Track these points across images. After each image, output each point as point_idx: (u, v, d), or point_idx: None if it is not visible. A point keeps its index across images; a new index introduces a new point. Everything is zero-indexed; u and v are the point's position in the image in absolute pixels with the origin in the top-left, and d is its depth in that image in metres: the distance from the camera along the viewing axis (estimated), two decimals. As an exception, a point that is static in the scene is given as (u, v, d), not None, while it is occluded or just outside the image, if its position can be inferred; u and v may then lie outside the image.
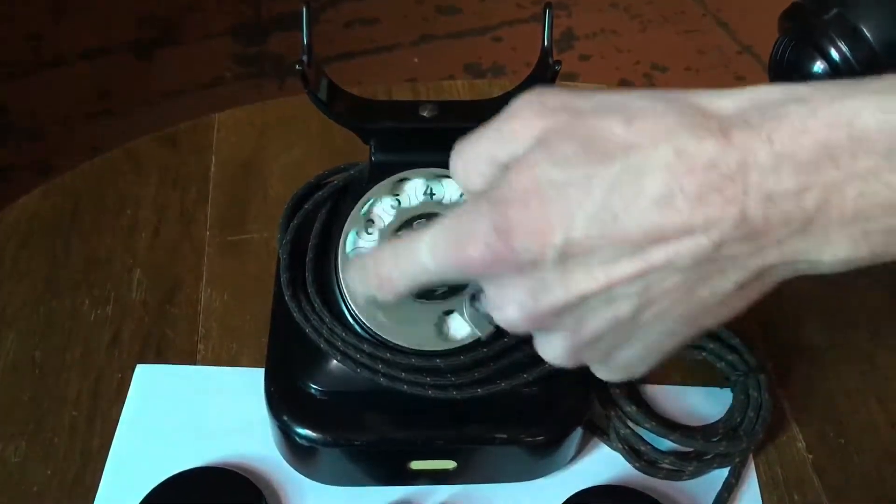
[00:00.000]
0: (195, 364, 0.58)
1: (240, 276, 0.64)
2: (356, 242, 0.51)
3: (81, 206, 0.68)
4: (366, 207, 0.52)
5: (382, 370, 0.50)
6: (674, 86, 0.86)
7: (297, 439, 0.51)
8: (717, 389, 0.60)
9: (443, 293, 0.50)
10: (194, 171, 0.71)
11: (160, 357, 0.59)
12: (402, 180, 0.52)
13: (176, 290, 0.63)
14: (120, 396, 0.56)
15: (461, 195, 0.52)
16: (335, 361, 0.51)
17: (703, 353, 0.60)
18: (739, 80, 1.78)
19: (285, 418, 0.51)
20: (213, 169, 0.71)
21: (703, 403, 0.59)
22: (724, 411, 0.58)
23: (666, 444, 0.56)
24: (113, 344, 0.59)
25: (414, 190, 0.52)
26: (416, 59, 2.00)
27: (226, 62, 1.94)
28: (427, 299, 0.50)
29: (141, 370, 0.58)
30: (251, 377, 0.57)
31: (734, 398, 0.58)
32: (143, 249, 0.65)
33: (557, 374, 0.51)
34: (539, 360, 0.50)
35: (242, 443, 0.54)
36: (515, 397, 0.52)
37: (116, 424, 0.55)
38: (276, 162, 0.72)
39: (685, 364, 0.61)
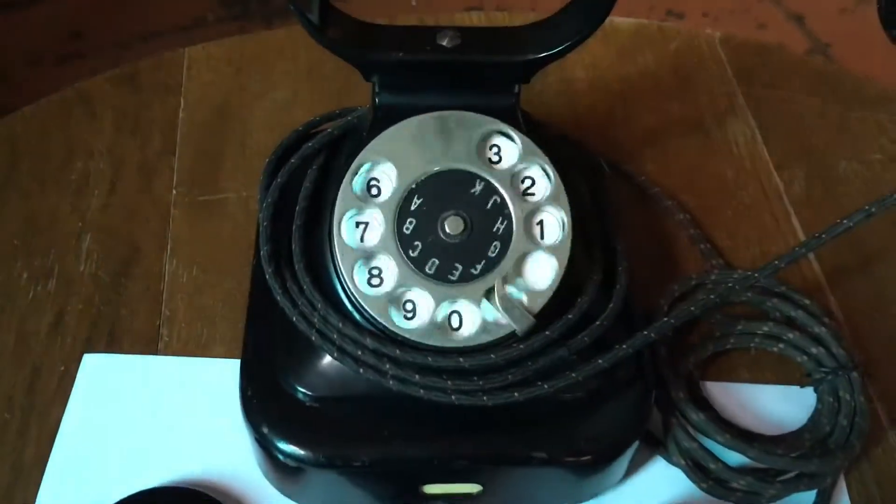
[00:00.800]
0: (156, 354, 0.51)
1: (212, 244, 0.56)
2: (356, 208, 0.41)
3: (21, 157, 0.60)
4: (367, 163, 0.42)
5: (391, 371, 0.40)
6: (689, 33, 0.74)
7: (281, 457, 0.41)
8: (797, 389, 0.50)
9: (466, 274, 0.40)
10: (159, 117, 0.63)
11: (113, 345, 0.51)
12: (414, 127, 0.42)
13: (134, 260, 0.54)
14: (62, 394, 0.48)
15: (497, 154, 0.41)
16: (330, 358, 0.41)
17: (780, 346, 0.50)
18: (761, 28, 1.65)
19: (265, 430, 0.42)
20: (181, 114, 0.63)
21: (779, 406, 0.49)
22: (807, 417, 0.48)
23: (737, 458, 0.45)
24: (55, 328, 0.51)
25: (428, 140, 0.42)
26: (413, 2, 1.86)
27: (209, 2, 1.80)
28: (445, 281, 0.40)
29: (89, 361, 0.50)
30: (226, 371, 0.49)
31: (819, 401, 0.48)
32: (94, 210, 0.57)
33: (611, 373, 0.41)
34: (589, 358, 0.41)
35: (215, 456, 0.47)
36: (557, 405, 0.42)
37: (57, 430, 0.47)
38: (257, 105, 0.63)
39: (756, 357, 0.51)
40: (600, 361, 0.41)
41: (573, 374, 0.40)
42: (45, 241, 0.55)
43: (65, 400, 0.48)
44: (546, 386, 0.40)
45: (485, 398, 0.40)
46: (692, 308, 0.44)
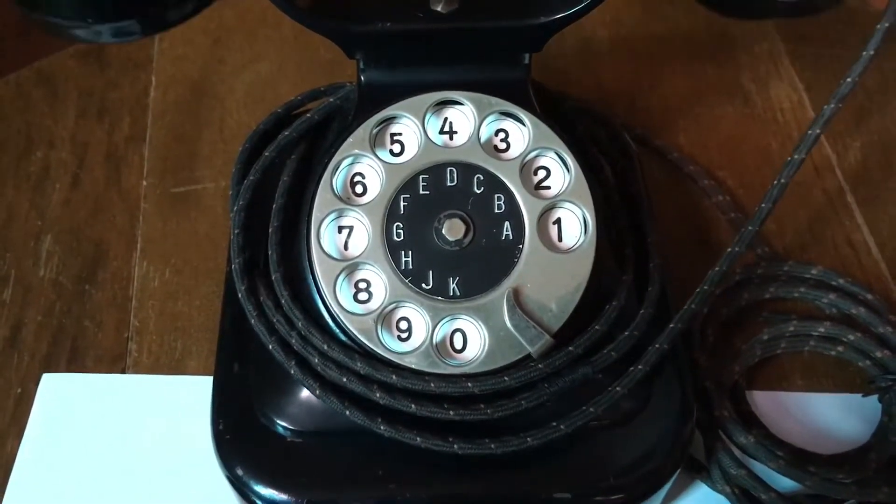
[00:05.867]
0: (124, 371, 0.46)
1: (187, 241, 0.51)
2: (337, 210, 0.36)
3: (-29, 148, 0.56)
4: (350, 154, 0.36)
5: (382, 400, 0.34)
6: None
7: (259, 502, 0.36)
8: (859, 398, 0.44)
9: (470, 287, 0.35)
10: (127, 97, 0.57)
11: (76, 362, 0.46)
12: (404, 111, 0.37)
13: (100, 263, 0.50)
14: (18, 419, 0.44)
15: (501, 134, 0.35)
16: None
17: (839, 348, 0.44)
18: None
19: (240, 472, 0.37)
20: (152, 93, 0.58)
21: (839, 419, 0.44)
22: (871, 432, 0.43)
23: (791, 481, 0.39)
24: (10, 344, 0.47)
25: (422, 126, 0.37)
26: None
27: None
28: (444, 296, 0.35)
29: (49, 381, 0.46)
30: (202, 391, 0.42)
31: (886, 413, 0.43)
32: (55, 206, 0.52)
33: (644, 390, 0.37)
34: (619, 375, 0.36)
35: (190, 488, 0.42)
36: (580, 433, 0.36)
37: (13, 460, 0.43)
38: (237, 81, 0.58)
39: (811, 362, 0.45)
40: (618, 389, 0.35)
41: (618, 389, 0.35)
42: (0, 244, 0.50)
43: (22, 426, 0.44)
44: (592, 409, 0.35)
45: (523, 403, 0.34)
46: (709, 287, 0.37)
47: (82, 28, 0.33)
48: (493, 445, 0.33)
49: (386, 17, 0.36)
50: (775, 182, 0.36)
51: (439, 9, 0.36)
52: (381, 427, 0.33)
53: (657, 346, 0.36)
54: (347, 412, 0.34)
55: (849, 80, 0.34)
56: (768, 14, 0.36)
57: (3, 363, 0.46)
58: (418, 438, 0.33)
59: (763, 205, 0.36)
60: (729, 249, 0.37)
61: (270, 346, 0.36)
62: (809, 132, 0.35)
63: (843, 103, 0.34)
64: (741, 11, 0.36)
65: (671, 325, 0.36)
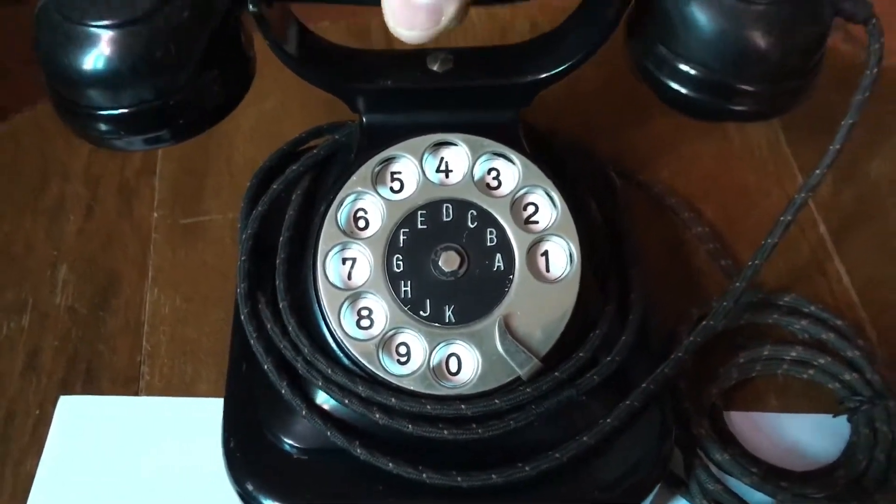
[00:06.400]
0: (137, 393, 0.47)
1: (197, 270, 0.52)
2: (341, 244, 0.38)
3: (-10, 180, 0.57)
4: (353, 192, 0.39)
5: (381, 420, 0.37)
6: None
7: None
8: (829, 418, 0.46)
9: (464, 314, 0.37)
10: None
11: (91, 384, 0.47)
12: (403, 151, 0.39)
13: (113, 291, 0.51)
14: (36, 439, 0.45)
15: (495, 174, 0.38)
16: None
17: (810, 371, 0.46)
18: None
19: (250, 487, 0.39)
20: None
21: (810, 438, 0.46)
22: (840, 451, 0.45)
23: (763, 497, 0.42)
24: (28, 367, 0.48)
25: (420, 165, 0.39)
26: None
27: None
28: (440, 322, 0.37)
29: (65, 403, 0.47)
30: (212, 412, 0.43)
31: (854, 432, 0.45)
32: (70, 237, 0.53)
33: (629, 415, 0.39)
34: (601, 397, 0.39)
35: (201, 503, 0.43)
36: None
37: (32, 479, 0.44)
38: (243, 117, 0.59)
39: (785, 384, 0.47)
40: (622, 406, 0.38)
41: (585, 439, 0.38)
42: (17, 273, 0.51)
43: (40, 446, 0.45)
44: (557, 455, 0.37)
45: (512, 424, 0.36)
46: (695, 338, 0.41)
47: (118, 139, 0.36)
48: (459, 478, 0.36)
49: (386, 76, 0.39)
50: (764, 242, 0.39)
51: (435, 68, 0.39)
52: (358, 450, 0.36)
53: (646, 385, 0.39)
54: (329, 433, 0.36)
55: (832, 148, 0.37)
56: (724, 119, 0.40)
57: (22, 386, 0.47)
58: (390, 464, 0.36)
59: (750, 262, 0.40)
60: (714, 304, 0.40)
61: (266, 367, 0.38)
62: (797, 197, 0.38)
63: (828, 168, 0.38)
64: (699, 114, 0.39)
65: (660, 370, 0.39)
